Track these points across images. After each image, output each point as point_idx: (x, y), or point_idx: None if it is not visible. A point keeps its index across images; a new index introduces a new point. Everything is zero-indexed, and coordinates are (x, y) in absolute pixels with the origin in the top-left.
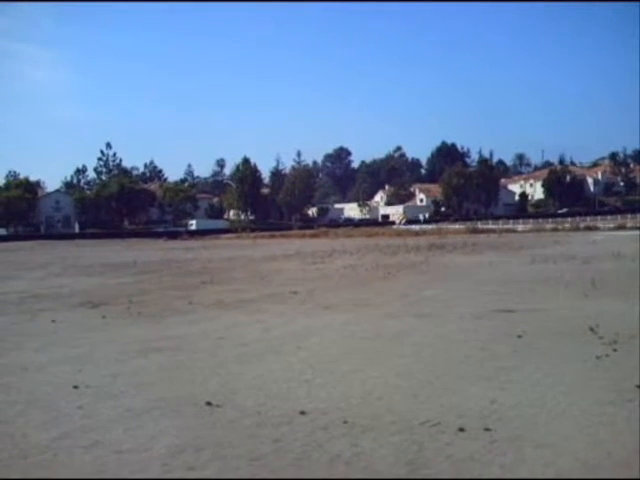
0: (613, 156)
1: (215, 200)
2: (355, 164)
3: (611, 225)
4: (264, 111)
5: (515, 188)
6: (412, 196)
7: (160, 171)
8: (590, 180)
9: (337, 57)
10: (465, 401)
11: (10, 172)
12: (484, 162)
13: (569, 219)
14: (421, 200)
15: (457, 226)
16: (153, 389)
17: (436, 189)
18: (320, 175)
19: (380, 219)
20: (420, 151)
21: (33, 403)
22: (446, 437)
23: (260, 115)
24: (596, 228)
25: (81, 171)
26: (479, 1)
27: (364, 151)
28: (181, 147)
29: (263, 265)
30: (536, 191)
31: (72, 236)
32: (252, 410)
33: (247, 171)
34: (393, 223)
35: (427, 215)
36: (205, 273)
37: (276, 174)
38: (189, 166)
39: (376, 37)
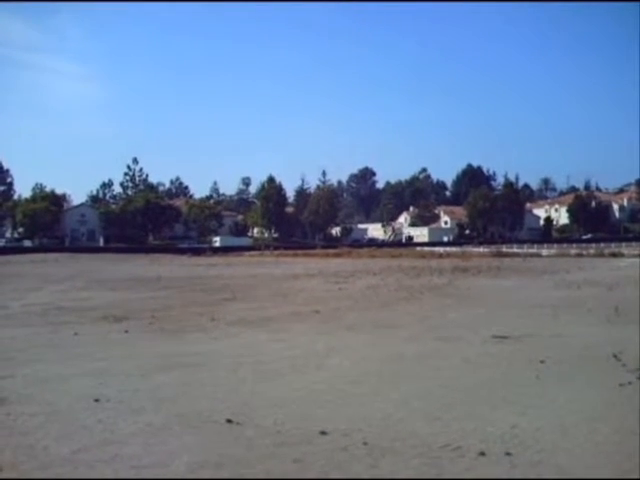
0: (639, 182)
1: (240, 218)
2: (380, 185)
3: (636, 252)
4: (290, 130)
5: (540, 212)
6: (437, 218)
7: (186, 187)
8: (616, 206)
9: (365, 77)
10: (486, 425)
11: (36, 184)
12: (509, 186)
13: (594, 245)
14: (445, 222)
15: (481, 249)
16: (173, 405)
17: (461, 212)
18: (344, 195)
19: (404, 240)
20: (445, 173)
21: (54, 415)
22: (466, 461)
23: (286, 134)
24: (621, 254)
25: (107, 185)
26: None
27: (389, 172)
28: (207, 164)
29: (285, 283)
30: (561, 216)
31: (96, 249)
32: (272, 429)
33: (272, 190)
34: (418, 245)
35: (451, 237)
36: (228, 290)
37: (301, 193)
38: (215, 183)
39: (403, 58)
